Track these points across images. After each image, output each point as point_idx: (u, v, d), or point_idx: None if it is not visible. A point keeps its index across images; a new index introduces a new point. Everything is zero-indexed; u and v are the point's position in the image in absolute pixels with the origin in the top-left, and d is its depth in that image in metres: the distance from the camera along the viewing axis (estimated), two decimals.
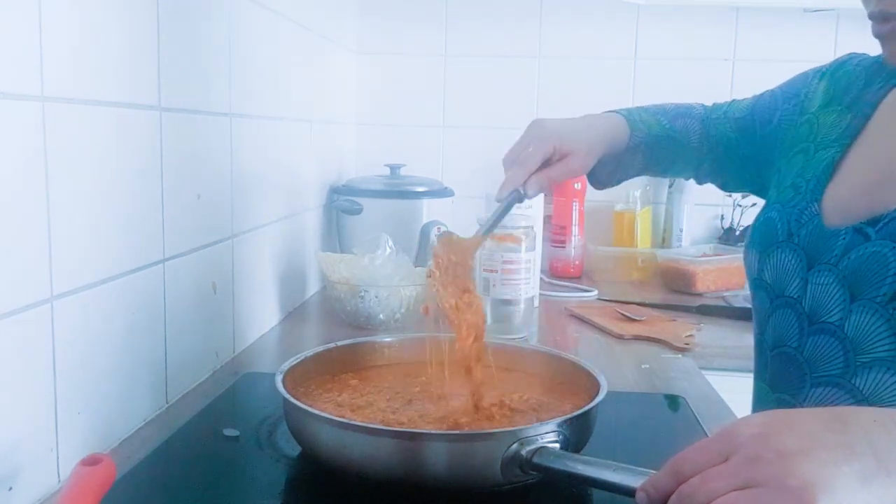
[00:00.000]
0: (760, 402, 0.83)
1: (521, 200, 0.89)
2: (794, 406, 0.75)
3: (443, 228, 1.64)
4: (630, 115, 0.99)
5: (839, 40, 1.84)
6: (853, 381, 0.69)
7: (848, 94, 0.82)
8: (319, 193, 1.62)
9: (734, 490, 0.47)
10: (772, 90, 0.96)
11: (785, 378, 0.77)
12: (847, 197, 0.74)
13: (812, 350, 0.73)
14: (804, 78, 0.92)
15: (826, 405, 0.71)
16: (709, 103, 1.05)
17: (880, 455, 0.48)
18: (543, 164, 0.90)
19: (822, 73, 0.89)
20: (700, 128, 1.01)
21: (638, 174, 1.05)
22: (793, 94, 0.91)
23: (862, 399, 0.68)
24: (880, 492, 0.47)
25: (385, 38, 1.95)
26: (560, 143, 0.90)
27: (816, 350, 0.73)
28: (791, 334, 0.76)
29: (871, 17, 0.67)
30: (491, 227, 0.87)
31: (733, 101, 1.02)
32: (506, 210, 0.88)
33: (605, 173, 1.02)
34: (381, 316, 1.30)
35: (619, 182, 1.05)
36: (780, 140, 0.90)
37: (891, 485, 0.48)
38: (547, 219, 1.80)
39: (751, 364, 0.88)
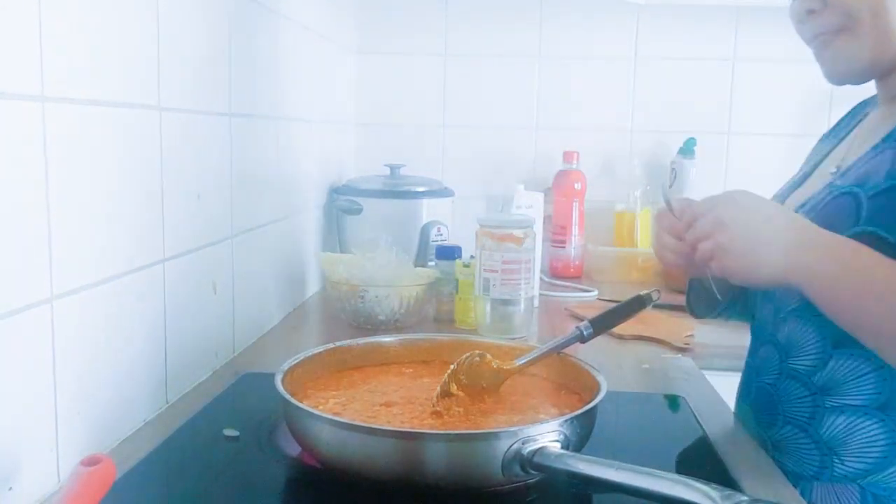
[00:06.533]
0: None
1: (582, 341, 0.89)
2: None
3: (443, 228, 1.65)
4: None
5: None
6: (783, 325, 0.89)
7: (840, 125, 0.99)
8: (319, 193, 1.62)
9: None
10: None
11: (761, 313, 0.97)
12: (797, 199, 0.91)
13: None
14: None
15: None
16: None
17: (778, 241, 0.74)
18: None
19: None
20: None
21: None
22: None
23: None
24: (770, 260, 0.74)
25: (385, 38, 1.95)
26: None
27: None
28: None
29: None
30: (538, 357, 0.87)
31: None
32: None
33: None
34: (381, 316, 1.29)
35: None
36: None
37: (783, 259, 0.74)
38: (547, 219, 1.80)
39: None
